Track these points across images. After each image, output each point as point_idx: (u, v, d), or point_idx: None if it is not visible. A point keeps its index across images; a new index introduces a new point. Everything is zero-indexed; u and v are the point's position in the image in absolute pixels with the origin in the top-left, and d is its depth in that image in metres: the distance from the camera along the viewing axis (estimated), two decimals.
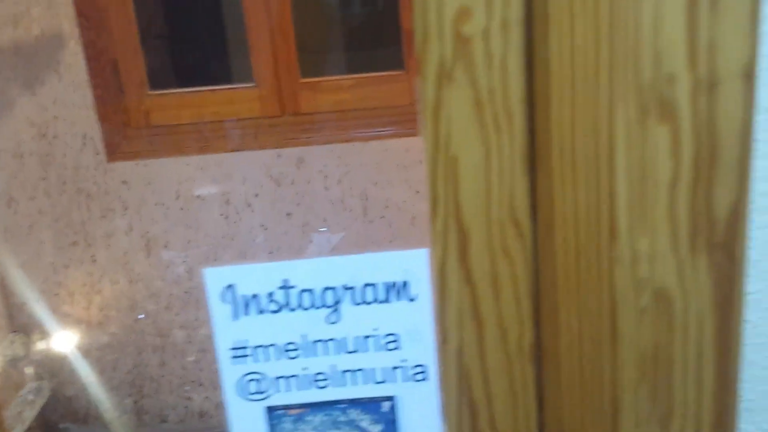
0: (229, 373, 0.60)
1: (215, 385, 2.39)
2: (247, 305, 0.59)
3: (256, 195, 2.34)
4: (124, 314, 2.35)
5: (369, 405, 0.62)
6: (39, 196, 2.27)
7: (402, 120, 2.29)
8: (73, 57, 2.21)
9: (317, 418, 0.61)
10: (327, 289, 0.59)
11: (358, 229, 2.33)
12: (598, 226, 0.48)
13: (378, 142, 2.27)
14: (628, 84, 0.45)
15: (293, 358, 0.60)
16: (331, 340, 0.60)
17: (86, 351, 2.30)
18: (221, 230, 2.36)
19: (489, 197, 0.55)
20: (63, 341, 2.23)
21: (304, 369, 0.60)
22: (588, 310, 0.50)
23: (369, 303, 0.60)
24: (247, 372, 0.59)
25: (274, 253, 2.39)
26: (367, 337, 0.60)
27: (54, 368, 2.29)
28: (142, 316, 2.34)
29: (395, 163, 2.28)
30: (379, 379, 0.61)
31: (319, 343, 0.59)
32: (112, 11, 2.25)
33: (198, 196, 2.35)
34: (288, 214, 2.35)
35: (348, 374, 0.61)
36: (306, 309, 0.60)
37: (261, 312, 0.59)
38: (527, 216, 0.55)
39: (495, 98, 0.53)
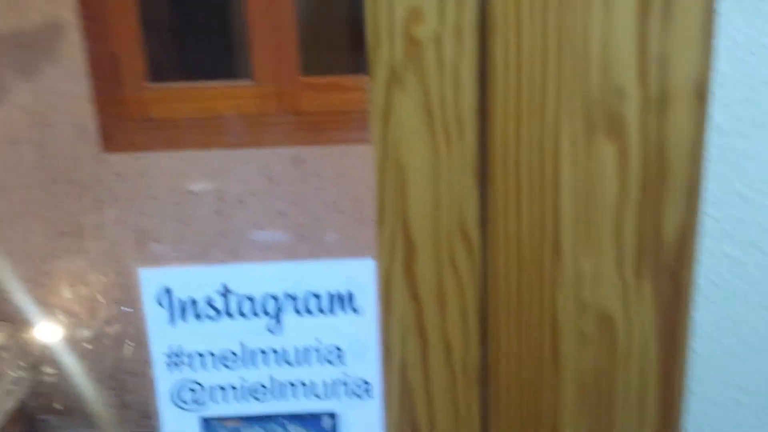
0: (164, 379, 0.58)
1: None
2: (184, 310, 0.56)
3: (251, 193, 2.32)
4: (111, 307, 2.33)
5: (309, 420, 0.59)
6: (31, 184, 2.26)
7: None
8: (72, 46, 2.20)
9: None
10: (268, 296, 0.57)
11: (351, 232, 2.31)
12: (542, 244, 0.46)
13: None
14: (576, 97, 0.43)
15: (231, 367, 0.57)
16: (271, 350, 0.57)
17: (70, 343, 2.28)
18: (213, 227, 2.34)
19: (438, 208, 0.53)
20: (47, 332, 2.22)
21: (243, 380, 0.58)
22: (530, 331, 0.48)
23: (312, 313, 0.58)
24: (182, 379, 0.57)
25: (265, 252, 2.37)
26: (309, 349, 0.58)
27: (36, 359, 2.28)
28: (129, 309, 2.32)
29: None
30: (320, 394, 0.59)
31: (258, 354, 0.57)
32: (113, 1, 2.24)
33: (191, 192, 2.33)
34: (281, 214, 2.33)
35: (288, 387, 0.58)
36: (246, 316, 0.57)
37: (198, 317, 0.57)
38: (477, 230, 0.53)
39: (446, 106, 0.50)
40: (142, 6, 2.28)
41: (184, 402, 0.58)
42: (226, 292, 0.57)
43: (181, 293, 0.57)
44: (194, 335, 0.58)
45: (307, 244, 2.36)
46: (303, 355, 0.58)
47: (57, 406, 2.33)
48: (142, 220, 2.31)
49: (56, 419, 2.33)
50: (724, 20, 0.39)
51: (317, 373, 0.59)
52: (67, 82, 2.21)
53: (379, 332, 0.58)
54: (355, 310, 0.58)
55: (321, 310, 0.58)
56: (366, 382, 0.60)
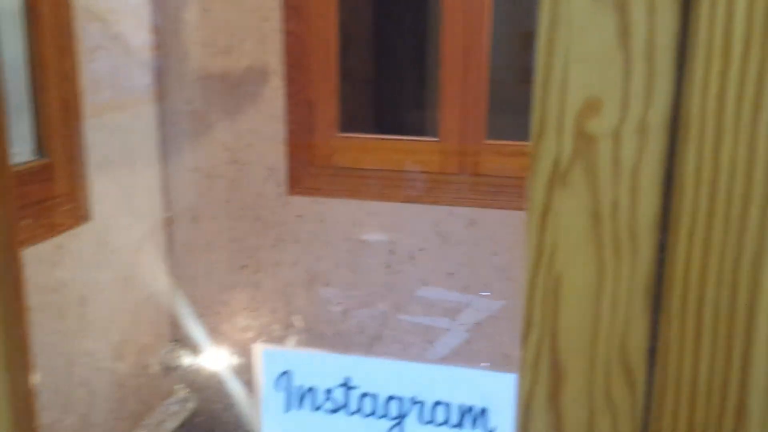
0: None
1: None
2: (302, 397, 0.52)
3: (421, 249, 2.29)
4: (277, 342, 2.39)
5: None
6: (221, 217, 2.39)
7: None
8: (274, 92, 2.32)
9: None
10: (392, 398, 0.51)
11: (520, 302, 2.20)
12: (723, 403, 0.36)
13: None
14: None
15: None
16: None
17: (236, 372, 2.36)
18: (381, 278, 2.33)
19: (596, 331, 0.44)
20: (216, 359, 2.31)
21: None
22: None
23: (439, 424, 0.51)
24: None
25: (428, 309, 2.32)
26: None
27: (203, 384, 2.38)
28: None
29: None
30: None
31: None
32: (316, 53, 2.34)
33: (365, 241, 2.35)
34: (450, 274, 2.28)
35: None
36: (366, 416, 0.52)
37: (316, 409, 0.52)
38: (642, 362, 0.44)
39: (618, 214, 0.43)
40: (342, 58, 2.37)
41: None
42: (348, 386, 0.52)
43: (301, 379, 0.53)
44: (309, 427, 0.53)
45: (471, 309, 2.28)
46: None
47: (217, 430, 2.41)
48: (316, 263, 2.36)
49: None
50: None
51: None
52: (265, 124, 2.33)
53: None
54: (487, 430, 0.51)
55: (448, 423, 0.51)
56: None
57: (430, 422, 0.51)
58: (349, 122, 2.46)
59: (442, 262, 2.27)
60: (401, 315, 2.34)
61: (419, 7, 3.07)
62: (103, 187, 2.03)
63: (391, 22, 3.10)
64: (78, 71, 1.85)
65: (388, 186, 2.33)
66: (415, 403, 0.50)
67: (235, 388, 2.37)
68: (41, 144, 1.81)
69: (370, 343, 2.37)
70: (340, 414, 0.51)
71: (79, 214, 1.90)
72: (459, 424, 0.50)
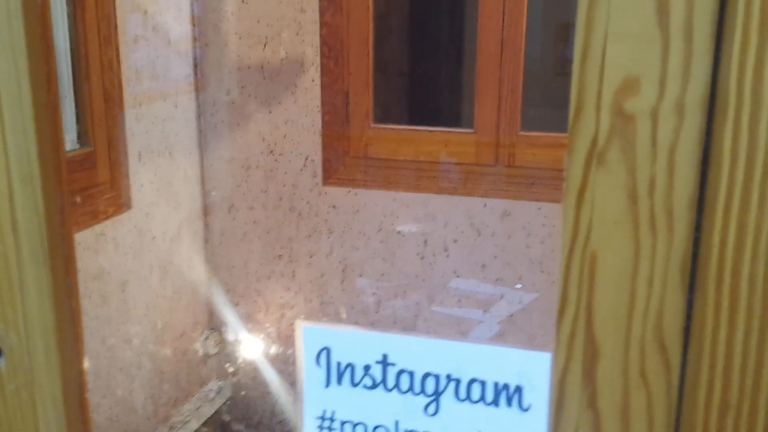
0: None
1: None
2: (341, 374, 0.53)
3: (455, 240, 2.30)
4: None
5: None
6: (257, 207, 2.42)
7: None
8: (310, 83, 2.34)
9: None
10: (429, 374, 0.52)
11: (553, 295, 2.20)
12: (759, 380, 0.37)
13: None
14: None
15: None
16: None
17: (271, 360, 2.39)
18: (415, 269, 2.34)
19: (631, 309, 0.45)
20: (252, 347, 2.34)
21: None
22: None
23: (474, 402, 0.52)
24: None
25: (461, 301, 2.33)
26: None
27: (238, 372, 2.42)
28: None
29: None
30: None
31: None
32: (352, 45, 2.35)
33: (399, 232, 2.36)
34: (483, 266, 2.28)
35: None
36: (403, 392, 0.53)
37: (355, 385, 0.54)
38: (678, 341, 0.44)
39: (655, 192, 0.43)
40: (377, 49, 2.38)
41: None
42: (386, 363, 0.53)
43: (340, 356, 0.54)
44: (348, 402, 0.54)
45: (504, 301, 2.28)
46: None
47: (251, 419, 2.45)
48: (350, 253, 2.38)
49: (249, 431, 2.45)
50: None
51: None
52: (302, 115, 2.35)
53: None
54: (522, 407, 0.52)
55: (484, 400, 0.52)
56: None
57: (465, 399, 0.52)
58: (385, 113, 2.47)
59: (476, 254, 2.27)
60: (434, 306, 2.35)
61: None
62: (143, 176, 2.07)
63: (428, 14, 3.10)
64: (120, 61, 1.89)
65: (423, 177, 2.34)
66: (451, 380, 0.51)
67: (271, 375, 2.40)
68: (84, 133, 1.85)
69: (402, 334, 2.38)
70: (378, 390, 0.53)
71: (120, 202, 1.94)
72: (494, 402, 0.51)
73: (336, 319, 2.42)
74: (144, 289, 2.10)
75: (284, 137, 2.38)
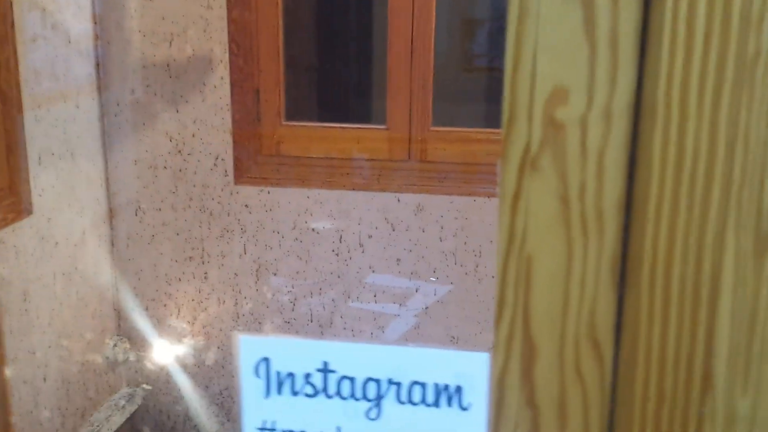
0: None
1: None
2: (281, 383, 0.53)
3: (370, 236, 2.31)
4: (225, 335, 2.37)
5: None
6: (165, 208, 2.36)
7: None
8: (219, 80, 2.29)
9: None
10: (370, 379, 0.52)
11: (466, 286, 2.25)
12: (689, 372, 0.39)
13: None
14: (747, 206, 0.37)
15: None
16: None
17: (183, 365, 2.34)
18: (330, 266, 2.34)
19: (566, 309, 0.47)
20: (163, 353, 2.28)
21: None
22: None
23: (415, 404, 0.53)
24: None
25: (378, 296, 2.35)
26: None
27: (149, 378, 2.35)
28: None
29: None
30: None
31: None
32: (262, 41, 2.32)
33: (313, 229, 2.35)
34: (398, 260, 2.31)
35: None
36: (344, 398, 0.53)
37: (295, 393, 0.53)
38: (609, 337, 0.46)
39: (585, 196, 0.45)
40: (288, 47, 2.36)
41: None
42: (327, 370, 0.53)
43: (280, 365, 0.54)
44: (289, 411, 0.54)
45: (419, 294, 2.32)
46: None
47: (163, 426, 2.39)
48: (264, 252, 2.35)
49: None
50: None
51: None
52: (211, 113, 2.30)
53: None
54: (462, 407, 0.53)
55: (425, 402, 0.53)
56: None
57: (407, 402, 0.52)
58: (296, 110, 2.45)
59: (391, 249, 2.30)
60: (351, 302, 2.36)
61: None
62: (45, 180, 1.98)
63: (337, 10, 3.09)
64: (17, 61, 1.80)
65: (336, 174, 2.34)
66: (392, 384, 0.52)
67: (183, 380, 2.35)
68: None
69: (320, 331, 2.38)
70: (320, 397, 0.52)
71: (20, 208, 1.85)
72: (435, 403, 0.52)
73: (250, 319, 2.38)
74: (47, 297, 2.01)
75: (193, 136, 2.32)
